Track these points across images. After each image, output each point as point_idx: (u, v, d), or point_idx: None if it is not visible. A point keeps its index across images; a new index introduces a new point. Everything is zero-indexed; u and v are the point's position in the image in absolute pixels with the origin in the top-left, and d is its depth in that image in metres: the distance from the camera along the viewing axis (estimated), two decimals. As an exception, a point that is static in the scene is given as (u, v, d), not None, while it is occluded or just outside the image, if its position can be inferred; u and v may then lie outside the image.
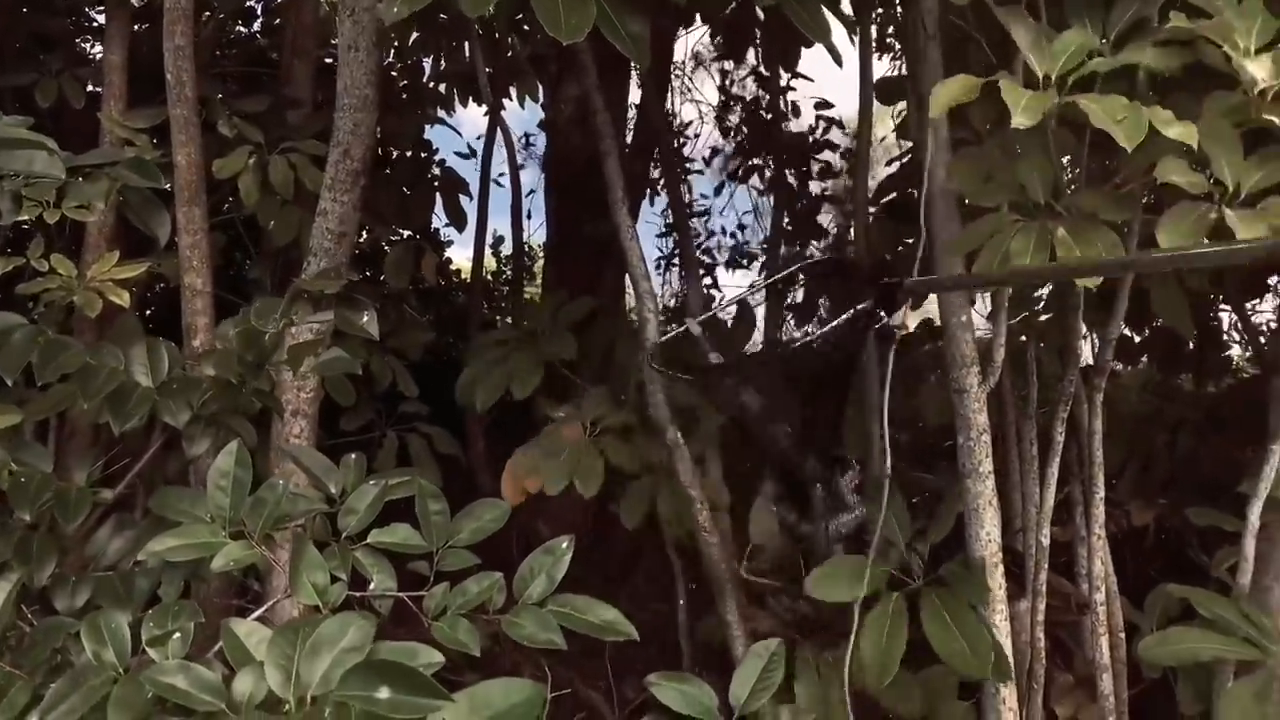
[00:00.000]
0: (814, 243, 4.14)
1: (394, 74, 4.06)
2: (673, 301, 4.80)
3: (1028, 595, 2.36)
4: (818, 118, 4.23)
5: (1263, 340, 3.23)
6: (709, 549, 2.68)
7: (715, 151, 4.56)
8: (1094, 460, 2.34)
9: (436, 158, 4.02)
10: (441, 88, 4.25)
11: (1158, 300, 2.44)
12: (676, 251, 4.68)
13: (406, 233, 3.93)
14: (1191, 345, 3.56)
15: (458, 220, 3.87)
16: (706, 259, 4.76)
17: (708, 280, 4.90)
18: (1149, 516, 3.06)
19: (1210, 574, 2.39)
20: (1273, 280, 3.25)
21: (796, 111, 4.21)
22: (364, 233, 4.08)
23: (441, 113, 4.23)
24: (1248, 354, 3.84)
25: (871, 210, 3.18)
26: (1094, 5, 2.10)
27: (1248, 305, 3.23)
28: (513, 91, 4.21)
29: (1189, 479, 3.11)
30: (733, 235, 4.57)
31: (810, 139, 4.27)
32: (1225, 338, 3.63)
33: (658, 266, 4.99)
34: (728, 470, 3.16)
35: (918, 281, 1.12)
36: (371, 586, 1.69)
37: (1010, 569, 2.45)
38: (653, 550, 3.61)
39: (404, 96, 4.08)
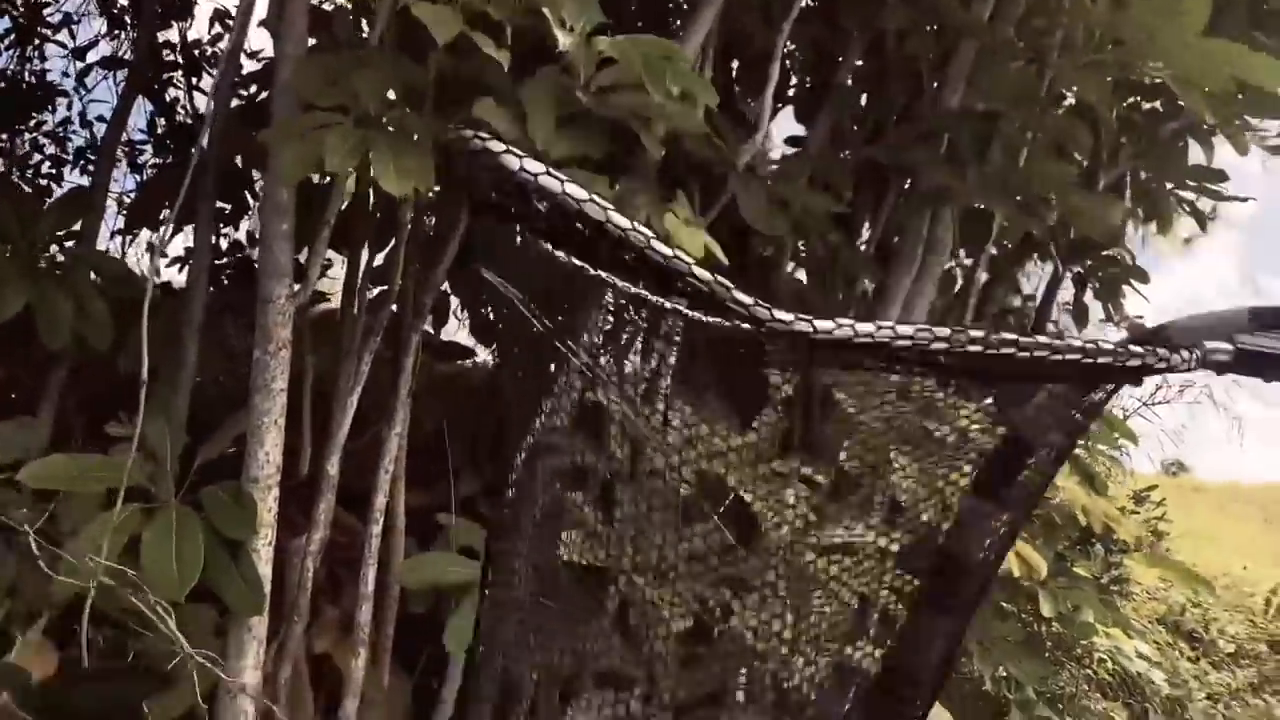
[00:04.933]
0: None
1: None
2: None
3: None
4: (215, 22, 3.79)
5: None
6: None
7: (69, 19, 3.79)
8: (399, 396, 2.36)
9: None
10: None
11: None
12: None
13: None
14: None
15: None
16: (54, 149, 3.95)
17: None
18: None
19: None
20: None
21: (189, 11, 3.71)
22: None
23: None
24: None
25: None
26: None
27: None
28: None
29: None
30: (88, 124, 3.86)
31: (203, 49, 3.81)
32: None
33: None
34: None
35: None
36: None
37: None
38: None
39: None
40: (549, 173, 0.81)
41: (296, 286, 2.12)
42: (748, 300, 0.78)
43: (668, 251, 0.78)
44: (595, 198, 0.81)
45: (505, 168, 0.80)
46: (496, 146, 0.81)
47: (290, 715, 2.18)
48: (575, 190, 0.80)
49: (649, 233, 0.80)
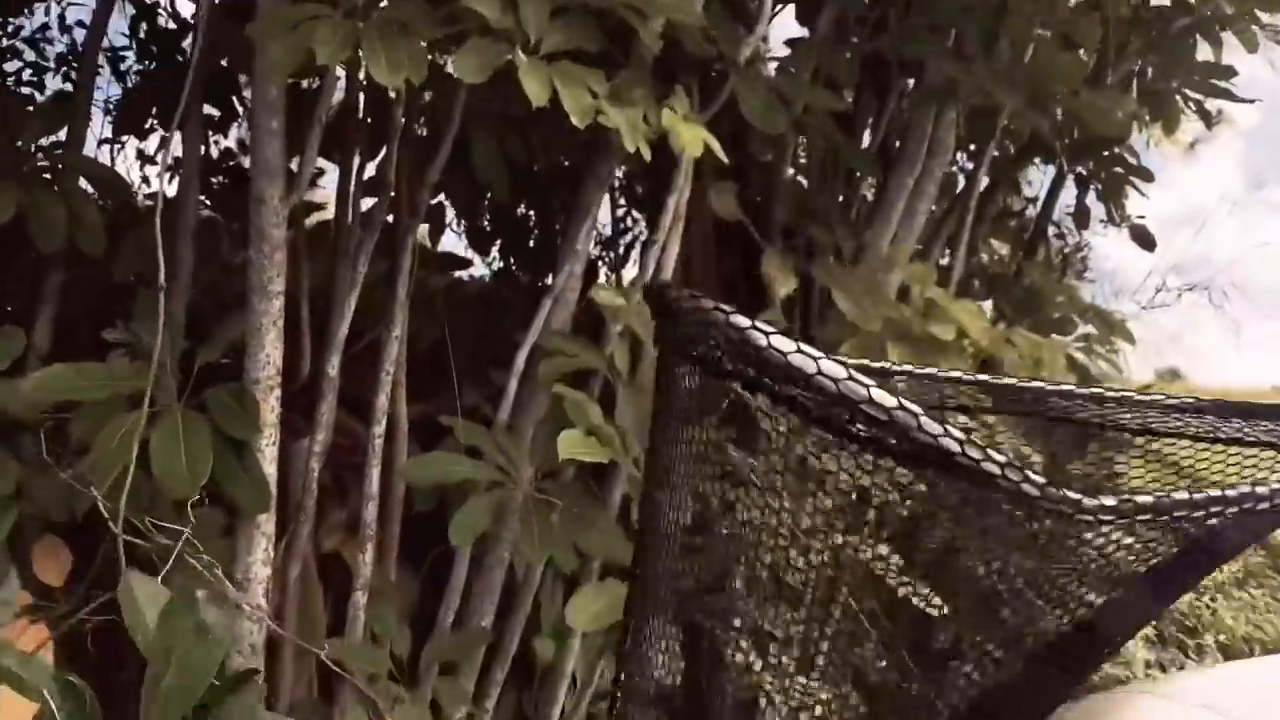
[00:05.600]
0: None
1: None
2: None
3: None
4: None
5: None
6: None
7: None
8: (397, 298, 2.36)
9: None
10: None
11: (478, 153, 2.54)
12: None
13: None
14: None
15: None
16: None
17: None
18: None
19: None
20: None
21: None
22: None
23: None
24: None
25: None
26: None
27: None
28: None
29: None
30: (68, 29, 3.75)
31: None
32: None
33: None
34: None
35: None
36: None
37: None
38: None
39: None
40: (801, 350, 0.63)
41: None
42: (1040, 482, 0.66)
43: (936, 430, 0.64)
44: (855, 375, 0.64)
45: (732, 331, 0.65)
46: (738, 320, 0.65)
47: (301, 609, 2.24)
48: (835, 369, 0.63)
49: (916, 409, 0.65)
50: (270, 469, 2.07)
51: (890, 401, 0.60)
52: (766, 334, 0.62)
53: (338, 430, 2.42)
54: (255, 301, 2.05)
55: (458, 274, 4.04)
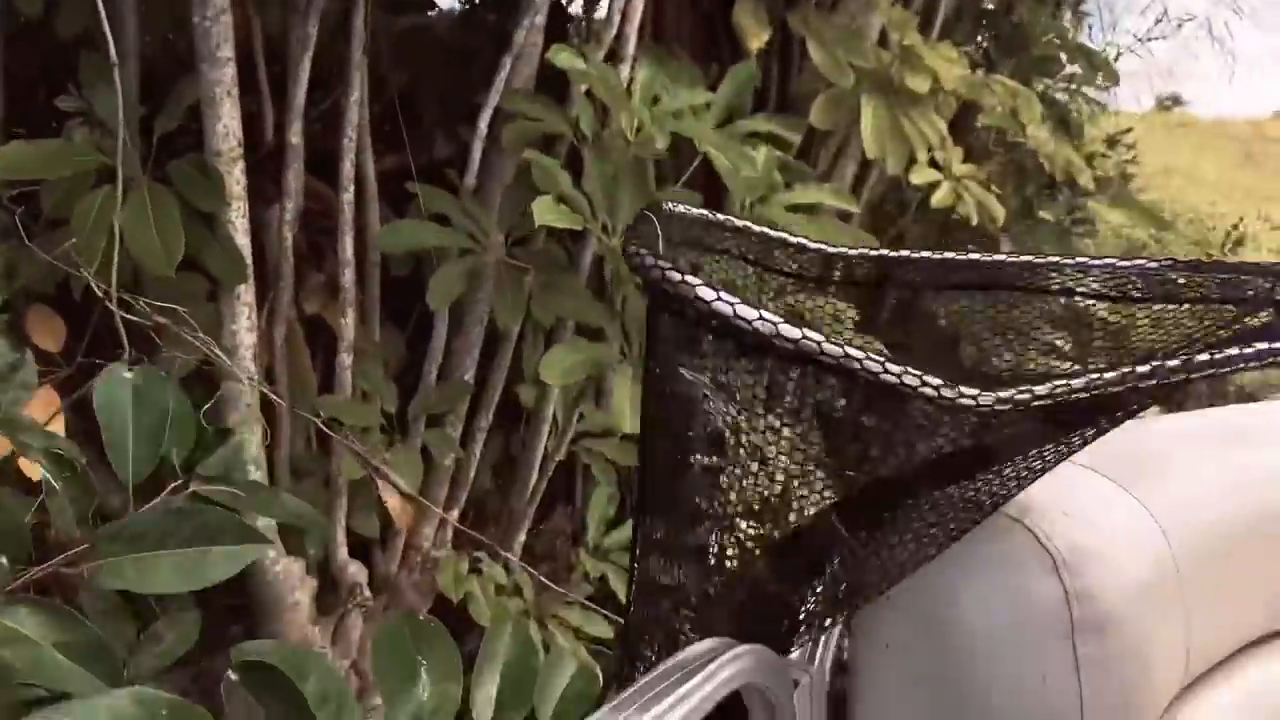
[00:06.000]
0: None
1: None
2: None
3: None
4: None
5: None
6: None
7: None
8: (352, 61, 2.28)
9: None
10: None
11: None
12: None
13: None
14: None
15: None
16: None
17: None
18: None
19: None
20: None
21: None
22: None
23: None
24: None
25: None
26: None
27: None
28: None
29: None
30: None
31: None
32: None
33: None
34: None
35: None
36: None
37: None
38: None
39: None
40: (764, 318, 0.71)
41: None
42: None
43: (897, 369, 0.71)
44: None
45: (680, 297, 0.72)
46: (672, 275, 0.72)
47: (289, 370, 2.38)
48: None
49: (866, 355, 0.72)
50: (243, 240, 2.11)
51: (854, 353, 0.71)
52: (732, 304, 0.71)
53: (308, 195, 2.44)
54: (205, 70, 1.99)
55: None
